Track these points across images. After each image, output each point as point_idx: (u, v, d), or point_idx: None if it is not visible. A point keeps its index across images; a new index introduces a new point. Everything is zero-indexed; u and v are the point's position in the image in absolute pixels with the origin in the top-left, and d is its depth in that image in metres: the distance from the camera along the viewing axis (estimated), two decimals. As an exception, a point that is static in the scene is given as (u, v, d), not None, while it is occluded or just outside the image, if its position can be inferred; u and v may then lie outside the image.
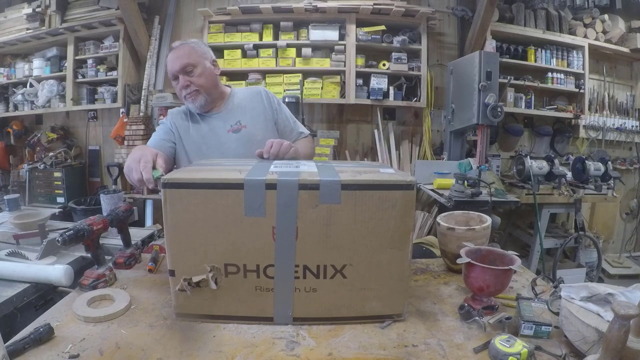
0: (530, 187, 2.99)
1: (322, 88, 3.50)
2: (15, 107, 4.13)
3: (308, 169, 0.92)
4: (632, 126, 4.10)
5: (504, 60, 3.49)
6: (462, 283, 1.04)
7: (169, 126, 1.51)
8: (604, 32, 3.91)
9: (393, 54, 3.48)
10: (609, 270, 3.76)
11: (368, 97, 3.51)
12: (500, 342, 0.75)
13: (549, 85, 3.81)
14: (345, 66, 3.44)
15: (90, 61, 3.77)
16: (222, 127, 1.48)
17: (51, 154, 3.72)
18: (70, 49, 3.77)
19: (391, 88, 3.51)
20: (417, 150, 3.65)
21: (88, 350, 0.77)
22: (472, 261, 0.93)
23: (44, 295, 1.19)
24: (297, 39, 3.50)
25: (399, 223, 0.84)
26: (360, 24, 3.46)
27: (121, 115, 3.62)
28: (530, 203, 3.01)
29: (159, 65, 3.70)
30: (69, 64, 3.79)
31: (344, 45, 3.43)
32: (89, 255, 1.09)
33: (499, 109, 2.77)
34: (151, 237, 1.86)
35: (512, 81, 3.54)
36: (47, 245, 1.42)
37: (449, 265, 1.22)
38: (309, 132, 1.68)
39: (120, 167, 3.49)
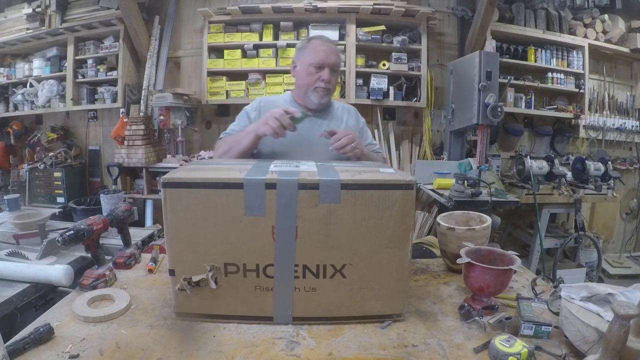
0: (530, 187, 2.99)
1: (322, 88, 3.50)
2: (15, 107, 4.13)
3: (308, 169, 0.92)
4: (632, 126, 4.10)
5: (504, 60, 3.49)
6: (462, 283, 1.04)
7: (251, 122, 1.47)
8: (604, 32, 3.91)
9: (393, 54, 3.48)
10: (609, 270, 3.76)
11: (368, 97, 3.51)
12: (500, 342, 0.75)
13: (549, 85, 3.81)
14: (345, 66, 3.43)
15: (90, 61, 3.77)
16: (317, 130, 1.46)
17: (51, 154, 3.72)
18: (70, 49, 3.77)
19: (391, 88, 3.51)
20: (417, 150, 3.66)
21: (88, 350, 0.77)
22: (472, 261, 0.93)
23: (44, 295, 1.19)
24: (297, 39, 3.50)
25: (398, 223, 0.84)
26: (360, 24, 3.46)
27: (121, 115, 3.62)
28: (530, 203, 3.01)
29: (159, 65, 3.70)
30: (69, 64, 3.79)
31: (344, 45, 3.43)
32: (89, 255, 1.09)
33: (499, 109, 2.77)
34: (151, 237, 1.86)
35: (512, 81, 3.54)
36: (47, 245, 1.42)
37: (449, 265, 1.22)
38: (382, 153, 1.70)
39: (120, 167, 3.49)
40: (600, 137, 4.04)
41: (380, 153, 1.61)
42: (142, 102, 3.59)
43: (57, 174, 3.60)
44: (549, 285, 1.09)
